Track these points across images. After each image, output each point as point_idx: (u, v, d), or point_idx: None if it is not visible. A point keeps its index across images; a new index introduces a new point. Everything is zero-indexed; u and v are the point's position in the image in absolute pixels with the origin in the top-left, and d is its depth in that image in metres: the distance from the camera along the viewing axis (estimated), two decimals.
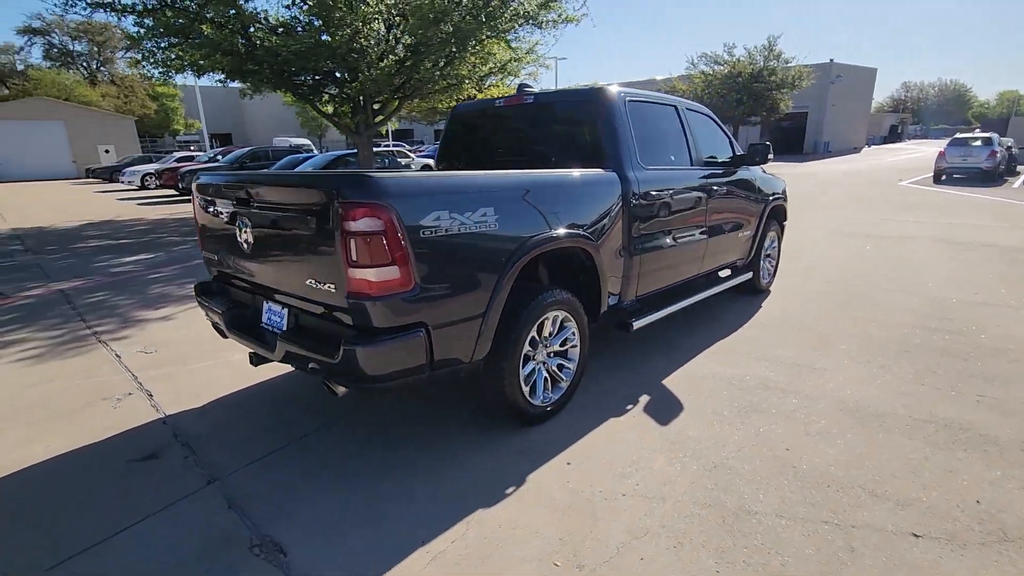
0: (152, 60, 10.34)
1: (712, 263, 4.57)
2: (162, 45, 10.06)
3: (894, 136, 66.68)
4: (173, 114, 45.34)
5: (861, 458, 2.67)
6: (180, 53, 10.18)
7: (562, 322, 3.08)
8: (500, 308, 2.61)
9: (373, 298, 2.20)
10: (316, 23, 9.61)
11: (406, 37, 10.80)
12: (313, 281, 2.38)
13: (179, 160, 21.98)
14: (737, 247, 4.89)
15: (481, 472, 2.61)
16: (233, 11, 9.32)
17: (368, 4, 9.10)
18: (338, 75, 11.30)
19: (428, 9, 9.96)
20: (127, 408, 3.38)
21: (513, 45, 13.20)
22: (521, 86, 4.00)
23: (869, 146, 52.63)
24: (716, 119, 4.78)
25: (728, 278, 4.93)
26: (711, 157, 4.66)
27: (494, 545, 2.13)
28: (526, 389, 2.90)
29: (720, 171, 4.49)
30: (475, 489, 2.48)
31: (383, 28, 9.73)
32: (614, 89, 3.55)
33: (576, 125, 3.62)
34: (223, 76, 10.69)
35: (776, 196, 5.40)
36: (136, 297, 6.01)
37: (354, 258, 2.15)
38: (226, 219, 2.83)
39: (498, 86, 18.44)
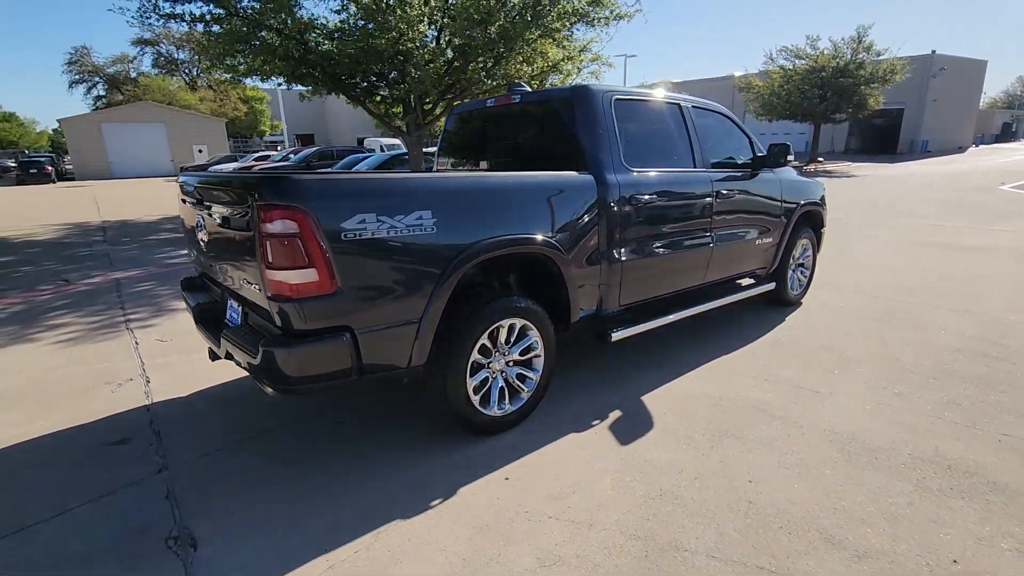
0: (221, 66, 11.06)
1: (722, 272, 4.26)
2: (227, 52, 10.71)
3: (1007, 135, 60.13)
4: (261, 116, 48.51)
5: (832, 497, 2.38)
6: (243, 59, 10.82)
7: (521, 330, 2.96)
8: (438, 315, 2.54)
9: (292, 300, 2.20)
10: (368, 26, 9.89)
11: (453, 39, 10.91)
12: (246, 281, 2.42)
13: (256, 159, 23.44)
14: (755, 255, 4.53)
15: (415, 481, 2.55)
16: (289, 17, 9.77)
17: (412, 7, 9.26)
18: (389, 77, 11.59)
19: (473, 10, 10.01)
20: (124, 393, 3.60)
21: (565, 44, 13.01)
22: (510, 85, 3.90)
23: (976, 145, 47.76)
24: (735, 119, 4.45)
25: (748, 288, 4.59)
26: (728, 158, 4.37)
27: (394, 560, 2.07)
28: (476, 398, 2.81)
29: (732, 174, 4.19)
30: (402, 498, 2.43)
31: (429, 30, 9.87)
32: (595, 87, 3.38)
33: (556, 126, 3.48)
34: (283, 80, 11.26)
35: (809, 202, 4.95)
36: (176, 288, 6.44)
37: (270, 260, 2.16)
38: (193, 218, 2.94)
39: (555, 85, 18.28)
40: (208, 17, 9.90)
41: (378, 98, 12.35)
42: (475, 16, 9.96)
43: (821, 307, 5.11)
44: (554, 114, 3.50)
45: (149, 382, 3.75)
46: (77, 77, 45.36)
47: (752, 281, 4.77)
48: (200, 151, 35.86)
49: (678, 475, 2.57)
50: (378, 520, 2.29)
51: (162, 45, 49.07)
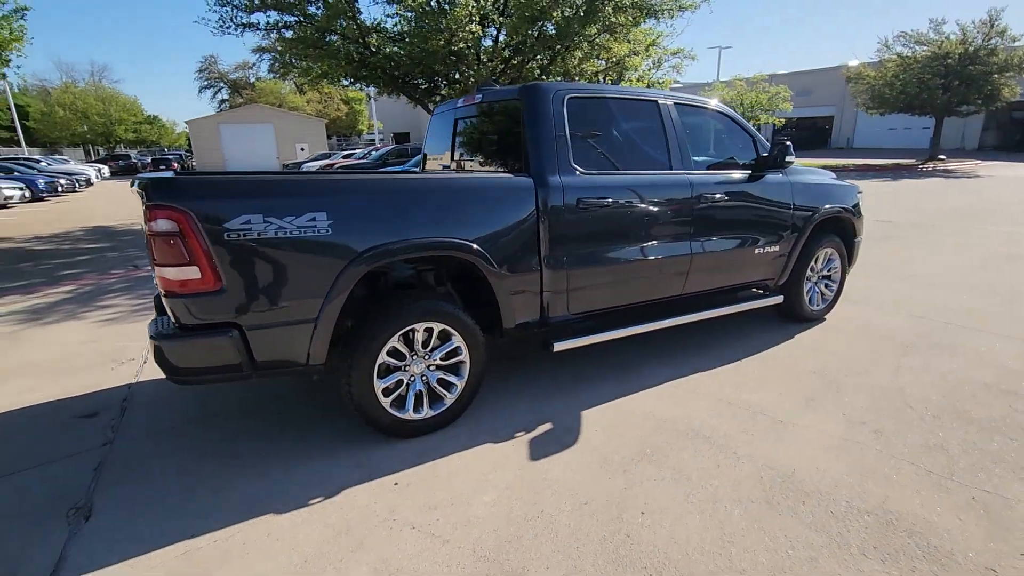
0: (295, 70, 11.85)
1: (708, 282, 3.94)
2: (300, 56, 11.45)
3: None
4: (359, 116, 51.52)
5: (723, 542, 2.13)
6: (314, 63, 11.52)
7: (442, 334, 2.92)
8: (335, 315, 2.57)
9: (178, 296, 2.32)
10: (421, 28, 10.17)
11: (509, 37, 10.92)
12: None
13: (343, 157, 24.89)
14: (758, 265, 4.14)
15: (308, 477, 2.60)
16: (349, 21, 10.27)
17: (461, 7, 9.38)
18: (449, 76, 11.84)
19: (526, 8, 9.96)
20: (120, 370, 3.98)
21: (630, 39, 12.59)
22: (480, 84, 3.84)
23: None
24: (735, 117, 4.08)
25: (749, 300, 4.21)
26: (725, 160, 4.05)
27: (244, 552, 2.13)
28: (386, 400, 2.81)
29: (724, 177, 3.86)
30: (289, 493, 2.49)
31: (479, 30, 9.95)
32: (545, 86, 3.24)
33: (509, 125, 3.38)
34: (349, 82, 11.86)
35: (833, 208, 4.44)
36: None
37: (156, 258, 2.29)
38: None
39: (628, 81, 17.79)
40: (280, 24, 10.63)
41: (437, 98, 12.66)
42: (526, 14, 9.90)
43: (844, 325, 4.57)
44: (507, 114, 3.41)
45: (145, 363, 4.12)
46: (206, 83, 50.68)
47: (763, 292, 4.37)
48: (302, 149, 38.68)
49: (568, 498, 2.42)
50: (255, 512, 2.36)
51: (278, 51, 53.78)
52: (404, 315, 2.76)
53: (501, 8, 10.87)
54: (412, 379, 2.92)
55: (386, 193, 2.69)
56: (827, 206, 4.41)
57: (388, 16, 10.95)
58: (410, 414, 2.89)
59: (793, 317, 4.62)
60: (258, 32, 10.55)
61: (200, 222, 2.25)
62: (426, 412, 2.94)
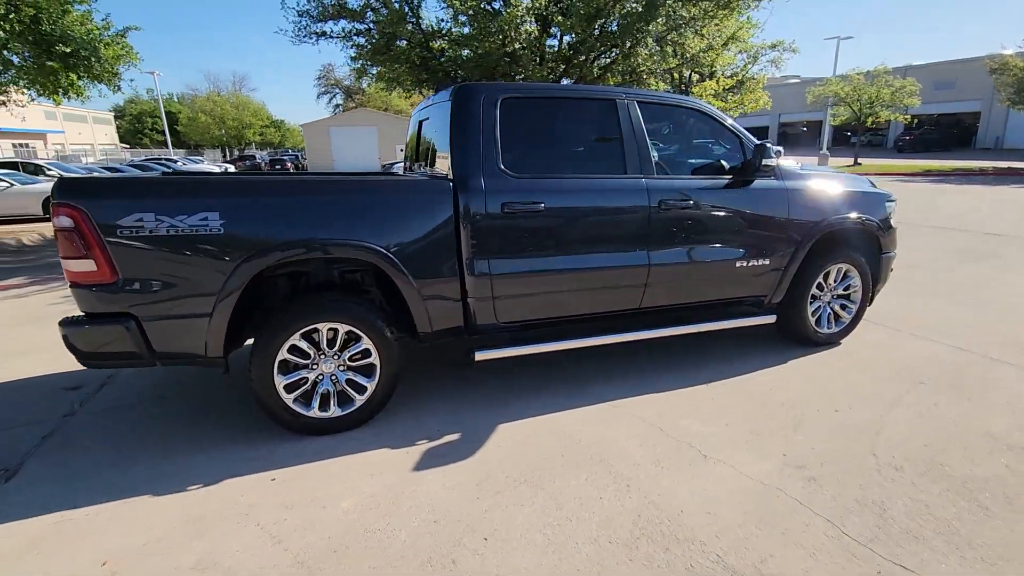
0: (368, 75, 12.49)
1: (674, 296, 3.61)
2: (372, 62, 12.04)
3: None
4: None
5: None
6: (383, 69, 12.06)
7: (349, 335, 2.93)
8: (228, 310, 2.66)
9: (79, 287, 2.53)
10: (478, 29, 10.29)
11: (568, 35, 10.74)
12: None
13: None
14: (741, 280, 3.73)
15: (201, 465, 2.72)
16: (414, 26, 10.63)
17: (512, 7, 9.34)
18: (511, 77, 11.87)
19: (583, 6, 9.73)
20: None
21: (704, 33, 11.87)
22: (439, 86, 3.81)
23: None
24: (718, 116, 3.69)
25: (737, 316, 3.81)
26: (703, 164, 3.72)
27: (104, 528, 2.27)
28: (288, 397, 2.87)
29: (695, 183, 3.53)
30: (177, 478, 2.61)
31: (535, 30, 9.85)
32: (477, 86, 3.14)
33: (443, 127, 3.31)
34: (414, 87, 12.29)
35: (847, 219, 3.89)
36: None
37: (60, 251, 2.51)
38: None
39: (715, 80, 16.84)
40: (352, 32, 11.24)
41: None
42: (582, 11, 9.67)
43: (859, 351, 3.98)
44: (442, 116, 3.34)
45: None
46: (323, 89, 54.85)
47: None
48: (401, 150, 40.63)
49: (422, 514, 2.33)
50: (139, 491, 2.52)
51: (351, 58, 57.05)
52: (305, 314, 2.81)
53: (563, 8, 10.71)
54: (321, 378, 2.96)
55: (279, 194, 2.76)
56: (838, 216, 3.87)
57: (442, 20, 11.15)
58: (315, 412, 2.94)
59: (796, 340, 4.11)
60: (331, 39, 11.21)
61: (94, 219, 2.44)
62: (333, 411, 2.97)
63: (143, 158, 35.01)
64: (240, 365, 3.07)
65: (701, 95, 17.46)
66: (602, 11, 9.81)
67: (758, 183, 3.64)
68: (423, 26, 10.86)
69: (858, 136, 30.49)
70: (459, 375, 3.70)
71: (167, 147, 40.87)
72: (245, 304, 2.82)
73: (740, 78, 19.38)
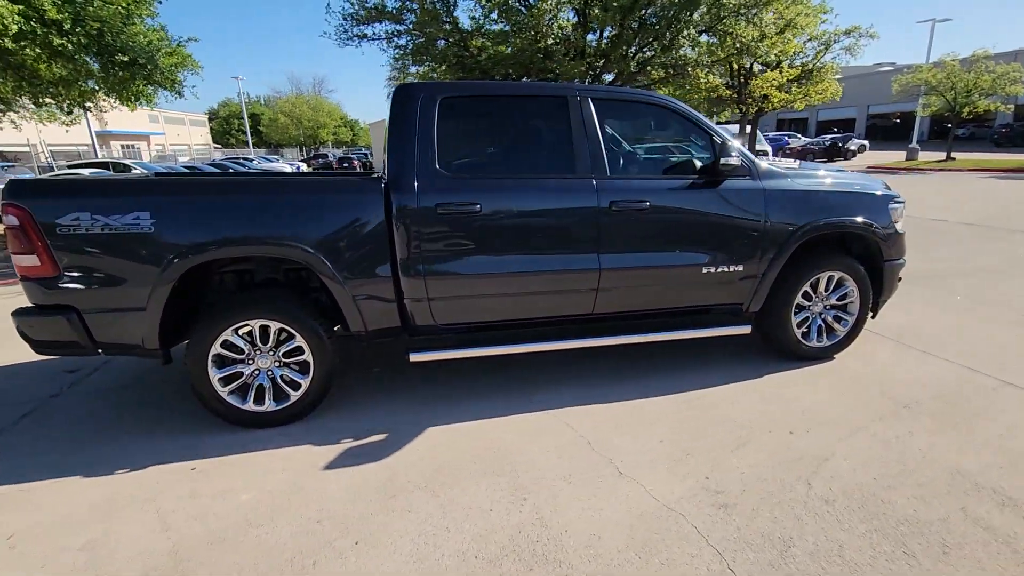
0: (410, 75, 12.77)
1: (632, 301, 3.44)
2: (413, 61, 12.29)
3: None
4: None
5: None
6: (425, 69, 12.28)
7: (282, 332, 3.01)
8: (161, 305, 2.79)
9: (27, 280, 2.74)
10: (508, 28, 10.25)
11: (605, 31, 10.47)
12: None
13: None
14: (711, 286, 3.49)
15: (142, 451, 2.88)
16: (451, 26, 10.75)
17: (542, 1, 9.21)
18: (549, 73, 11.75)
19: None
20: None
21: (756, 21, 11.21)
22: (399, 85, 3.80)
23: None
24: (688, 113, 3.45)
25: (710, 325, 3.58)
26: (682, 162, 3.54)
27: (24, 504, 2.45)
28: (224, 390, 2.98)
29: (653, 183, 3.34)
30: (110, 462, 2.78)
31: (568, 25, 9.67)
32: (415, 86, 3.12)
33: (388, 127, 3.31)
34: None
35: (838, 222, 3.54)
36: None
37: (8, 247, 2.73)
38: None
39: (776, 69, 15.95)
40: (392, 33, 11.52)
41: None
42: (618, 4, 9.39)
43: (846, 368, 3.63)
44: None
45: None
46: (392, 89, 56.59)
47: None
48: None
49: (307, 512, 2.35)
50: (73, 473, 2.70)
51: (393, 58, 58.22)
52: (236, 311, 2.91)
53: (603, 3, 10.46)
54: (257, 373, 3.06)
55: (209, 194, 2.86)
56: (828, 220, 3.53)
57: (472, 18, 11.16)
58: (250, 406, 3.04)
59: (781, 352, 3.80)
60: (373, 41, 11.55)
61: (36, 218, 2.64)
62: (268, 406, 3.06)
63: (222, 158, 37.56)
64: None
65: (761, 87, 16.52)
66: (640, 2, 9.48)
67: (730, 183, 3.39)
68: (460, 25, 10.94)
69: (954, 128, 27.70)
70: (427, 375, 3.70)
71: (247, 146, 43.67)
72: (190, 300, 2.95)
73: (809, 67, 18.16)
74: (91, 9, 8.11)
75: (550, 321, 3.39)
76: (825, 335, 3.80)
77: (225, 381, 3.00)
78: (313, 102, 51.40)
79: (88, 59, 8.56)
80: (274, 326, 2.98)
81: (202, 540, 2.20)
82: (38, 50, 7.76)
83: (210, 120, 67.09)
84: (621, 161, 3.41)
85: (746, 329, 3.60)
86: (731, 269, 3.46)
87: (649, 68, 11.06)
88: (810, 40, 17.29)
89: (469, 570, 2.00)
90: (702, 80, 13.07)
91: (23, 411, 3.38)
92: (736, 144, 3.22)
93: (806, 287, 3.65)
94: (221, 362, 2.98)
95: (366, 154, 45.28)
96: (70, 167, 19.52)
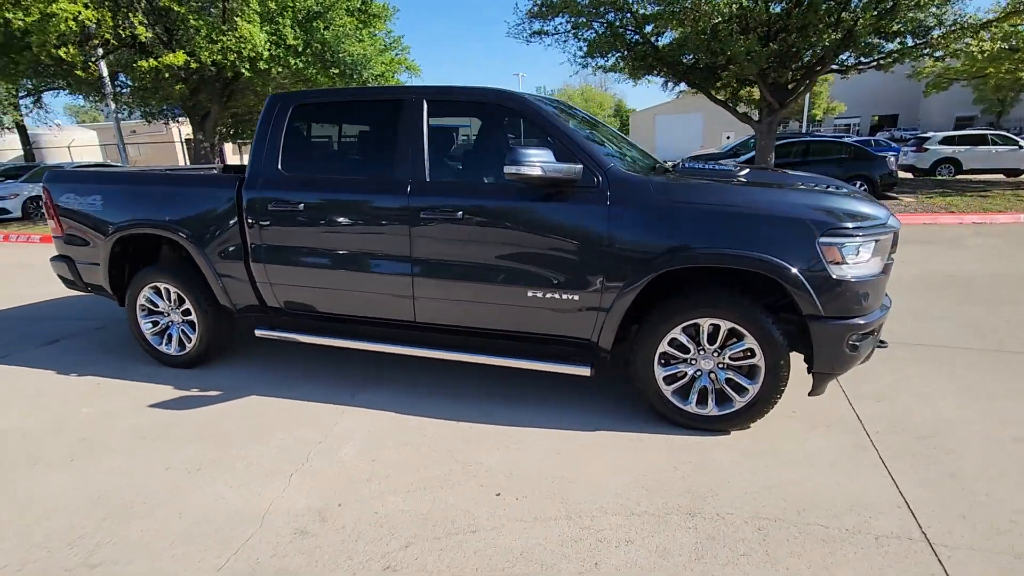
0: (600, 68, 12.66)
1: (454, 315, 3.22)
2: (601, 54, 12.16)
3: None
4: (815, 99, 45.88)
5: None
6: (613, 62, 12.01)
7: (179, 296, 3.78)
8: (107, 263, 3.83)
9: (54, 237, 4.10)
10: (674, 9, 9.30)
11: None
12: None
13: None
14: (541, 313, 3.00)
15: (128, 367, 4.05)
16: (622, 14, 10.35)
17: None
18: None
19: None
20: None
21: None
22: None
23: None
24: (532, 111, 2.97)
25: (548, 358, 3.10)
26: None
27: None
28: (154, 340, 3.93)
29: (471, 192, 3.06)
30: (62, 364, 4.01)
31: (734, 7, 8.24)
32: (273, 95, 3.47)
33: None
34: (635, 73, 11.83)
35: (718, 254, 2.65)
36: None
37: (45, 215, 4.11)
38: None
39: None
40: (574, 26, 11.58)
41: (718, 83, 11.10)
42: None
43: (714, 453, 2.70)
44: None
45: None
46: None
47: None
48: (727, 138, 38.02)
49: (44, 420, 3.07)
50: (56, 369, 3.99)
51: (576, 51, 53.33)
52: (146, 276, 3.80)
53: None
54: (170, 326, 3.93)
55: (125, 184, 3.78)
56: (701, 249, 2.67)
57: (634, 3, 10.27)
58: (170, 350, 3.92)
59: (657, 413, 3.01)
60: (549, 36, 11.78)
61: (51, 195, 3.94)
62: (175, 350, 3.91)
63: None
64: None
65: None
66: None
67: (566, 197, 2.85)
68: (633, 11, 10.40)
69: None
70: (290, 357, 4.11)
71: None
72: (132, 259, 3.96)
73: None
74: (318, 34, 10.46)
75: (386, 323, 3.41)
76: (714, 402, 2.87)
77: (152, 328, 3.94)
78: (586, 94, 53.66)
79: (312, 72, 11.07)
80: (172, 290, 3.78)
81: None
82: (280, 68, 10.45)
83: None
84: (451, 165, 3.17)
85: (584, 371, 2.99)
86: (563, 296, 2.93)
87: (864, 37, 8.70)
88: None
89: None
90: (974, 48, 9.52)
91: (96, 326, 4.97)
92: (539, 151, 2.67)
93: (676, 333, 2.82)
94: (145, 312, 3.94)
95: None
96: None
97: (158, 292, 3.86)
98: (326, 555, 2.09)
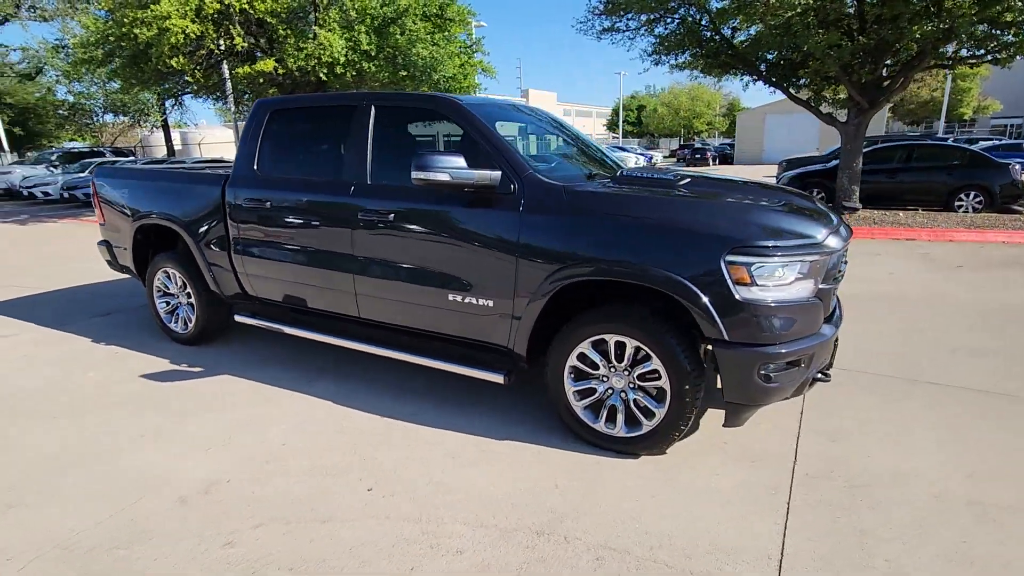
0: (673, 65, 12.14)
1: (390, 314, 3.33)
2: (671, 52, 11.68)
3: None
4: (963, 95, 40.36)
5: None
6: (688, 56, 11.47)
7: (175, 277, 4.24)
8: (131, 247, 4.39)
9: (100, 224, 4.75)
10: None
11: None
12: None
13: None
14: (462, 318, 3.03)
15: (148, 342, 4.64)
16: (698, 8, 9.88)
17: None
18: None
19: None
20: None
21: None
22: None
23: None
24: (469, 117, 2.98)
25: (470, 362, 3.12)
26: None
27: None
28: (167, 318, 4.45)
29: (403, 196, 3.13)
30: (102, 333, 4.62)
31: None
32: (259, 101, 3.78)
33: None
34: (711, 71, 11.19)
35: (626, 267, 2.53)
36: None
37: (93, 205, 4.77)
38: None
39: None
40: (652, 21, 11.18)
41: (799, 81, 10.14)
42: None
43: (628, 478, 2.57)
44: None
45: None
46: None
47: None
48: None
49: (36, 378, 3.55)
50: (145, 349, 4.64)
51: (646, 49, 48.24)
52: (159, 262, 4.30)
53: None
54: (179, 307, 4.41)
55: (144, 180, 4.27)
56: (607, 261, 2.55)
57: None
58: (179, 329, 4.41)
59: (578, 433, 2.90)
60: (619, 33, 11.43)
61: (97, 186, 4.57)
62: (180, 328, 4.39)
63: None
64: None
65: None
66: None
67: (484, 204, 2.85)
68: (704, 6, 9.86)
69: None
70: (268, 345, 4.41)
71: (624, 137, 47.34)
72: (154, 245, 4.49)
73: None
74: (392, 39, 11.03)
75: (337, 317, 3.59)
76: (623, 422, 2.73)
77: (165, 307, 4.46)
78: (693, 92, 51.36)
79: (384, 75, 11.66)
80: (175, 272, 4.24)
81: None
82: (353, 72, 11.15)
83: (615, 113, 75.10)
84: (394, 169, 3.24)
85: (498, 378, 2.95)
86: (479, 302, 2.93)
87: (964, 28, 7.60)
88: None
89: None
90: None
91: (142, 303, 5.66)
92: (450, 157, 2.68)
93: (585, 348, 2.72)
94: (160, 294, 4.45)
95: (724, 146, 42.73)
96: None
97: (168, 276, 4.34)
98: (189, 524, 2.28)
